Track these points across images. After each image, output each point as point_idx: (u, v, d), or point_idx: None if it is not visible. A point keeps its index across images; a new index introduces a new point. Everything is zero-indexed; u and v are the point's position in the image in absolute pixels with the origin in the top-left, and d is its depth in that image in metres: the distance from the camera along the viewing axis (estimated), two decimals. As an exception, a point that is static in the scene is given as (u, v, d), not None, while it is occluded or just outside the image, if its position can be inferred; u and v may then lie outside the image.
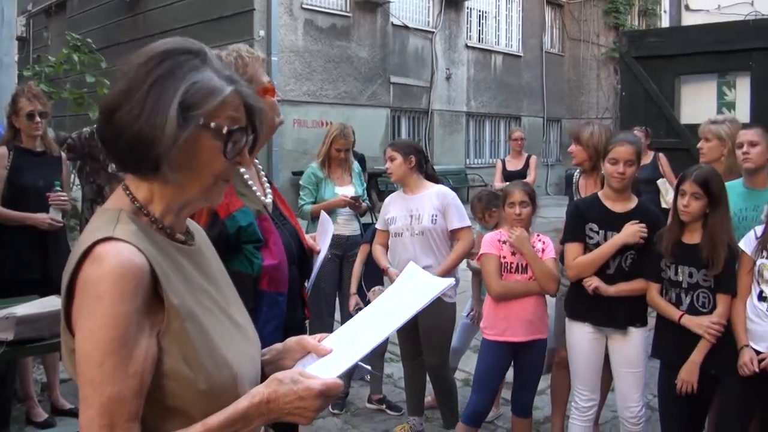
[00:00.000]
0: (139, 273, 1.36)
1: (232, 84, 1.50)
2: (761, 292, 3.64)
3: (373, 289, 5.11)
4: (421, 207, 4.72)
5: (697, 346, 3.71)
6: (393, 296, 1.92)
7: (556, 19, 26.04)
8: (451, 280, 1.95)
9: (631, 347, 4.09)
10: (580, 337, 4.17)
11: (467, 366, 5.73)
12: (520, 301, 4.28)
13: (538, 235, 4.36)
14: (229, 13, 15.56)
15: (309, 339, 1.76)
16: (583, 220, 4.09)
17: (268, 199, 2.69)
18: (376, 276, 5.26)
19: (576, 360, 4.24)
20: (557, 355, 4.76)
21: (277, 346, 1.79)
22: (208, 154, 1.47)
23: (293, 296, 2.63)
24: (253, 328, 1.69)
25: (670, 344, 3.88)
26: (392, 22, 18.62)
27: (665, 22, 9.69)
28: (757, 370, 3.53)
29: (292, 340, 1.78)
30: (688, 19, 9.22)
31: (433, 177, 4.93)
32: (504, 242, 4.32)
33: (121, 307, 1.32)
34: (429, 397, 5.22)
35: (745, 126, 4.50)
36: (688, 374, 3.71)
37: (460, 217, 4.73)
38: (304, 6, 16.36)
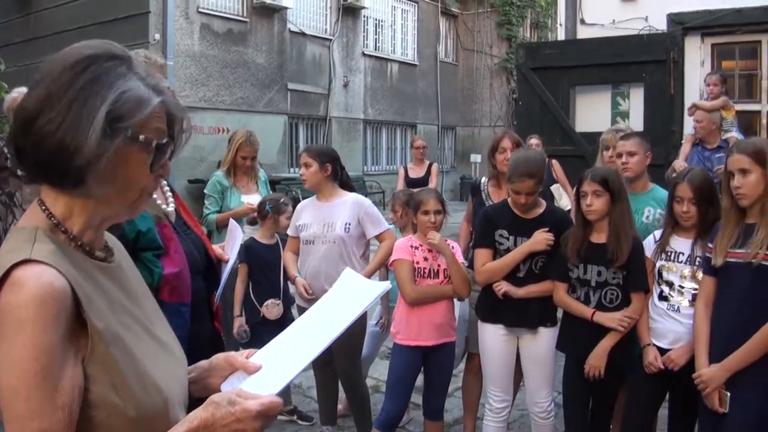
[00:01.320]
0: (61, 297, 1.27)
1: (159, 95, 1.44)
2: (661, 292, 3.84)
3: (266, 303, 5.04)
4: (334, 215, 4.71)
5: (608, 334, 3.85)
6: (329, 304, 1.87)
7: (451, 30, 26.46)
8: (387, 284, 1.94)
9: (542, 346, 4.21)
10: (493, 339, 4.26)
11: (376, 373, 5.78)
12: (432, 305, 4.32)
13: (446, 240, 4.43)
14: (124, 15, 15.08)
15: (237, 356, 1.69)
16: (493, 227, 4.19)
17: (170, 208, 2.64)
18: (269, 290, 5.13)
19: (489, 362, 4.32)
20: (471, 361, 4.84)
21: (203, 363, 1.71)
22: (136, 167, 1.41)
23: (198, 307, 2.57)
24: (178, 345, 1.61)
25: (576, 339, 4.01)
26: (290, 29, 18.51)
27: (561, 35, 9.96)
28: (661, 366, 3.73)
29: (219, 357, 1.71)
30: (583, 33, 9.56)
31: (348, 184, 4.93)
32: (416, 248, 4.37)
33: (45, 336, 1.24)
34: (341, 405, 5.23)
35: (623, 136, 4.70)
36: (597, 359, 3.84)
37: (376, 223, 4.77)
38: (200, 10, 16.07)
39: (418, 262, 4.35)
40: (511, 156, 4.15)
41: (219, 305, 2.93)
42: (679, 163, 6.78)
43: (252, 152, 5.98)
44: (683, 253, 3.81)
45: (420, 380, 4.54)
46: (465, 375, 4.92)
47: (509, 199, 4.25)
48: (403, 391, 4.39)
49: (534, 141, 8.71)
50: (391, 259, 4.45)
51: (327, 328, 1.72)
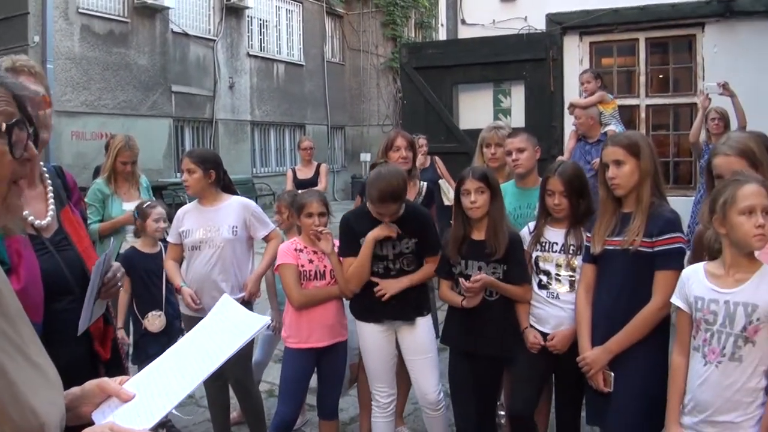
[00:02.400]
0: None
1: None
2: (540, 281, 3.98)
3: (147, 316, 4.97)
4: (220, 219, 4.63)
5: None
6: (206, 332, 1.82)
7: (336, 30, 26.52)
8: (267, 319, 1.90)
9: (420, 334, 4.27)
10: (372, 336, 4.30)
11: (269, 377, 5.73)
12: (322, 306, 4.32)
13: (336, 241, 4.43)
14: (1, 17, 14.47)
15: (110, 382, 1.63)
16: (356, 234, 4.21)
17: (45, 221, 2.49)
18: (151, 301, 5.05)
19: (370, 359, 4.35)
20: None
21: (75, 390, 1.64)
22: None
23: (66, 330, 2.40)
24: (54, 369, 1.51)
25: (460, 332, 4.11)
26: (172, 29, 18.16)
27: (442, 35, 10.11)
28: (542, 343, 3.90)
29: (91, 384, 1.64)
30: (465, 33, 9.73)
31: (230, 188, 4.85)
32: (301, 250, 4.36)
33: None
34: (234, 413, 5.15)
35: (511, 134, 4.82)
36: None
37: (263, 224, 4.74)
38: (80, 10, 15.57)
39: (303, 265, 4.34)
40: (371, 177, 4.11)
41: (110, 328, 2.81)
42: (565, 158, 6.99)
43: (132, 157, 5.84)
44: (557, 243, 3.95)
45: (314, 381, 4.53)
46: (359, 373, 4.94)
47: (368, 203, 4.24)
48: (296, 393, 4.38)
49: (421, 141, 8.84)
50: (276, 263, 4.42)
51: (205, 360, 1.67)
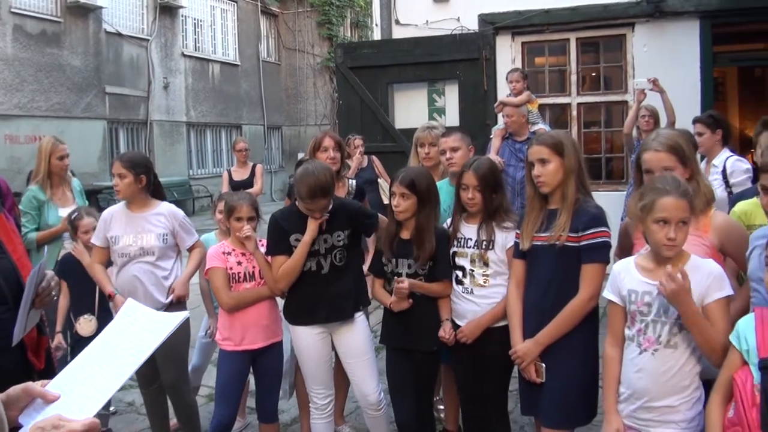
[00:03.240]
0: None
1: None
2: (456, 276, 4.06)
3: (79, 320, 4.92)
4: (150, 226, 4.58)
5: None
6: (118, 334, 1.85)
7: (272, 29, 26.42)
8: (186, 313, 1.92)
9: (357, 335, 4.29)
10: (307, 339, 4.29)
11: (210, 381, 5.69)
12: (255, 308, 4.31)
13: (261, 240, 4.40)
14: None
15: (34, 385, 1.67)
16: (286, 232, 4.20)
17: None
18: (84, 305, 5.00)
19: (307, 361, 4.35)
20: None
21: (0, 396, 1.66)
22: None
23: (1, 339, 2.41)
24: None
25: (395, 330, 4.18)
26: (105, 29, 17.92)
27: (377, 35, 10.18)
28: (452, 338, 3.98)
29: (16, 389, 1.66)
30: (399, 33, 9.81)
31: (160, 193, 4.80)
32: (229, 253, 4.35)
33: None
34: (174, 420, 5.11)
35: (444, 133, 4.90)
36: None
37: (189, 234, 4.72)
38: (12, 10, 15.26)
39: (231, 268, 4.33)
40: (299, 174, 4.07)
41: (44, 338, 2.78)
42: (493, 157, 7.08)
43: (65, 150, 5.77)
44: (471, 239, 4.02)
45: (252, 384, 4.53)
46: (298, 374, 4.95)
47: (297, 202, 4.26)
48: (231, 396, 4.36)
49: (357, 141, 8.90)
50: (206, 267, 4.41)
51: (126, 360, 1.71)
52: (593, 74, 9.82)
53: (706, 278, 2.95)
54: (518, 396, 3.98)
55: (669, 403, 2.99)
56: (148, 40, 19.46)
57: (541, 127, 7.22)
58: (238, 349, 4.31)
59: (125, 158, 4.68)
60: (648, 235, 3.04)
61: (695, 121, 6.15)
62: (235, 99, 23.61)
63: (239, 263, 4.34)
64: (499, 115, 7.51)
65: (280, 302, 4.48)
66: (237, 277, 4.32)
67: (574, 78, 9.46)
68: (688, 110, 8.20)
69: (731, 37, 10.71)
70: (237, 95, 23.72)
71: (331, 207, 4.21)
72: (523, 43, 9.55)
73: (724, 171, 5.69)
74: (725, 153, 5.90)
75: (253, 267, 4.34)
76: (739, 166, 5.72)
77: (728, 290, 2.96)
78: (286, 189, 24.42)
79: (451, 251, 4.09)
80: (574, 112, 9.44)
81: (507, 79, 7.89)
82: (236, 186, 8.77)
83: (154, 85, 19.60)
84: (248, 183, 8.97)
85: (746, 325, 2.80)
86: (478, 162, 4.03)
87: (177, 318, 1.85)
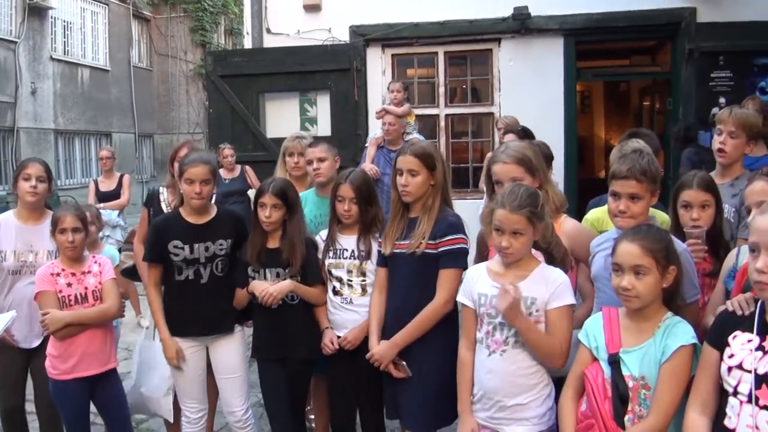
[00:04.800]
0: None
1: None
2: (334, 287, 4.11)
3: None
4: (41, 242, 4.41)
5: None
6: None
7: (144, 34, 25.82)
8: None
9: (231, 353, 4.28)
10: (181, 353, 4.23)
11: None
12: (86, 333, 4.11)
13: (93, 257, 4.31)
14: None
15: None
16: (164, 239, 4.15)
17: None
18: None
19: (180, 376, 4.30)
20: None
21: None
22: None
23: None
24: None
25: (266, 342, 4.18)
26: (-32, 31, 17.07)
27: (248, 44, 10.12)
28: (336, 347, 4.03)
29: None
30: (270, 42, 9.77)
31: (46, 204, 4.63)
32: (58, 274, 4.12)
33: None
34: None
35: (311, 144, 4.96)
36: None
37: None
38: None
39: (61, 291, 4.10)
40: (182, 160, 4.15)
41: None
42: (368, 166, 7.17)
43: None
44: (347, 250, 4.08)
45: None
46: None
47: (180, 209, 4.25)
48: (80, 428, 4.21)
49: (227, 151, 8.84)
50: (35, 291, 4.12)
51: None
52: (464, 86, 10.04)
53: (551, 286, 3.12)
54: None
55: (519, 401, 3.14)
56: (15, 42, 18.58)
57: (415, 137, 7.37)
58: (69, 377, 4.08)
59: (44, 161, 4.54)
60: (492, 241, 3.20)
61: None
62: (106, 106, 22.89)
63: (69, 285, 4.11)
64: (375, 124, 7.62)
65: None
66: (67, 300, 4.08)
67: (442, 90, 9.66)
68: (552, 123, 8.63)
69: (596, 54, 11.20)
70: (107, 102, 23.02)
71: (215, 214, 4.22)
72: (393, 55, 9.69)
73: None
74: None
75: (85, 288, 4.13)
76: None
77: (570, 299, 3.14)
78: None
79: (327, 262, 4.12)
80: (443, 123, 9.64)
81: (388, 89, 8.03)
82: (103, 197, 8.58)
83: (22, 90, 18.73)
84: (115, 194, 8.79)
85: (594, 323, 2.98)
86: (354, 174, 4.09)
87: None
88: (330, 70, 9.40)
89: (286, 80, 9.57)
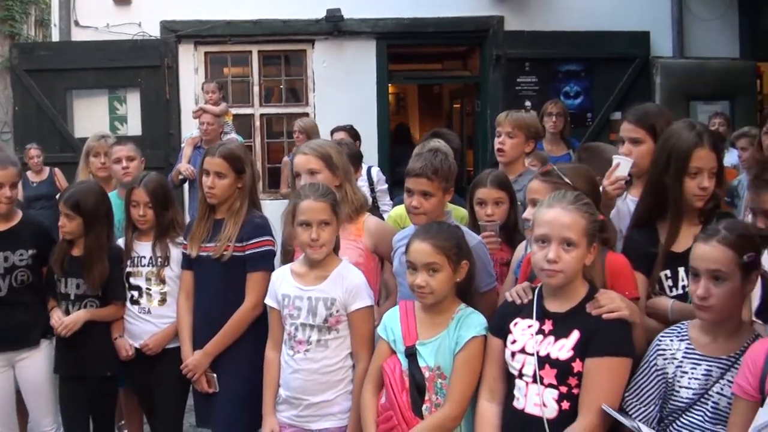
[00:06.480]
0: None
1: None
2: (132, 296, 4.01)
3: None
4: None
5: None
6: None
7: (-57, 24, 24.07)
8: None
9: (38, 366, 4.09)
10: None
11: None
12: None
13: None
14: None
15: None
16: None
17: None
18: None
19: None
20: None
21: None
22: None
23: None
24: None
25: (68, 358, 4.02)
26: None
27: (56, 36, 9.66)
28: (131, 353, 3.96)
29: None
30: (79, 35, 9.32)
31: None
32: None
33: None
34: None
35: (117, 143, 4.91)
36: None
37: None
38: None
39: None
40: None
41: None
42: (184, 166, 6.96)
43: None
44: (145, 257, 3.99)
45: None
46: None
47: None
48: None
49: (32, 152, 8.40)
50: None
51: None
52: (278, 87, 10.05)
53: (350, 287, 3.20)
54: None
55: (326, 397, 3.20)
56: None
57: (233, 136, 7.34)
58: None
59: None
60: (296, 238, 3.24)
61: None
62: None
63: None
64: (188, 124, 7.49)
65: None
66: None
67: (257, 89, 9.61)
68: (366, 123, 8.72)
69: (410, 57, 11.55)
70: None
71: (18, 221, 4.04)
72: (206, 53, 9.53)
73: (369, 178, 6.13)
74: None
75: None
76: (382, 175, 6.31)
77: (368, 301, 3.24)
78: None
79: (125, 271, 4.00)
80: (258, 123, 9.60)
81: (203, 89, 7.91)
82: None
83: None
84: None
85: (392, 317, 3.09)
86: (148, 178, 4.00)
87: None
88: (140, 67, 9.13)
89: (95, 77, 9.18)
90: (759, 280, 2.49)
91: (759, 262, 2.48)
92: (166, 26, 9.26)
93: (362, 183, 5.88)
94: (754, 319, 2.63)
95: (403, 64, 11.22)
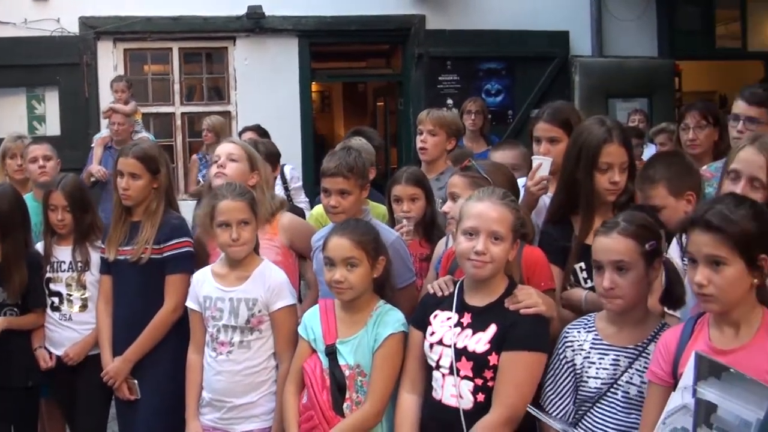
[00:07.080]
0: None
1: None
2: (53, 302, 3.91)
3: None
4: None
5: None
6: None
7: None
8: None
9: None
10: None
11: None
12: None
13: None
14: None
15: None
16: None
17: None
18: None
19: None
20: None
21: None
22: None
23: None
24: None
25: None
26: None
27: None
28: (51, 363, 3.86)
29: None
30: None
31: None
32: None
33: None
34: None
35: (33, 143, 4.85)
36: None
37: None
38: None
39: None
40: None
41: None
42: (95, 167, 6.92)
43: None
44: (65, 262, 3.91)
45: None
46: None
47: None
48: None
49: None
50: None
51: None
52: (200, 85, 9.93)
53: (273, 285, 3.21)
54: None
55: (249, 399, 3.20)
56: None
57: (144, 135, 7.22)
58: None
59: None
60: (216, 239, 3.23)
61: None
62: None
63: None
64: (102, 123, 7.34)
65: None
66: None
67: (177, 87, 9.48)
68: (289, 121, 8.80)
69: (334, 55, 11.58)
70: None
71: None
72: (125, 50, 9.32)
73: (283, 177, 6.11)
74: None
75: None
76: (295, 173, 6.25)
77: (290, 299, 3.25)
78: None
79: (45, 277, 3.90)
80: (179, 122, 9.47)
81: (111, 87, 7.74)
82: None
83: None
84: None
85: (312, 316, 3.09)
86: (65, 180, 3.90)
87: None
88: (59, 64, 8.88)
89: (12, 74, 8.89)
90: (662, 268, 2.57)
91: (661, 250, 2.58)
92: (85, 22, 9.01)
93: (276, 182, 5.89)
94: (666, 310, 2.71)
95: (326, 62, 11.23)
